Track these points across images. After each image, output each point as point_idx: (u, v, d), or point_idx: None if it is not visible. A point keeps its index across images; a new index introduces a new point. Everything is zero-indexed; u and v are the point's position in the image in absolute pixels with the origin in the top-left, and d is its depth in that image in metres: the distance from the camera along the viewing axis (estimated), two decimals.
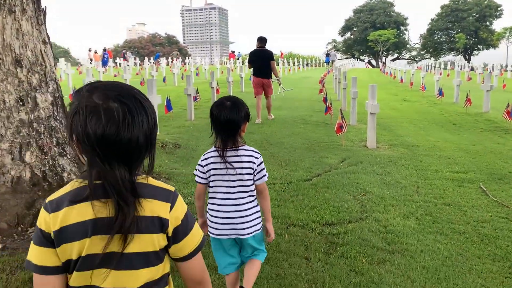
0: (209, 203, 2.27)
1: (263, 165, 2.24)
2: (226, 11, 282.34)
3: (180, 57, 49.47)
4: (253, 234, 2.24)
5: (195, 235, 1.19)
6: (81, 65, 31.73)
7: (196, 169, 2.27)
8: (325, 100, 11.67)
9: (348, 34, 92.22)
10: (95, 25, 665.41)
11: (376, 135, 7.10)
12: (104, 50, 38.25)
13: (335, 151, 6.54)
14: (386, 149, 6.84)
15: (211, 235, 2.27)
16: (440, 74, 16.78)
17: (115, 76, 24.13)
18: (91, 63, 39.39)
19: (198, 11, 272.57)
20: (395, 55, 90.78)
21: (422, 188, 4.76)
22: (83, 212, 1.06)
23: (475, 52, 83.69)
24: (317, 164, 5.73)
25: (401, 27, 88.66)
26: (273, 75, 9.92)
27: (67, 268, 1.09)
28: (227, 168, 2.16)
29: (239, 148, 2.19)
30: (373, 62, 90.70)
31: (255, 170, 2.20)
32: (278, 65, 34.71)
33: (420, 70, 25.64)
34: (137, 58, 38.32)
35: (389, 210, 4.05)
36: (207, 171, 2.21)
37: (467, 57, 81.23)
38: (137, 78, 20.43)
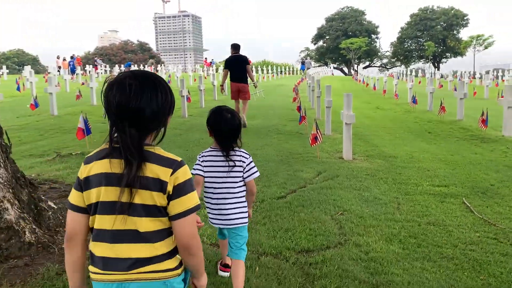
0: (206, 196, 2.59)
1: (252, 165, 2.58)
2: (199, 18, 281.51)
3: (153, 65, 48.59)
4: (241, 224, 2.55)
5: (190, 199, 1.39)
6: (49, 73, 30.52)
7: (195, 166, 2.56)
8: (299, 109, 11.38)
9: (320, 42, 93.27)
10: (67, 31, 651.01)
11: (352, 145, 6.80)
12: (72, 57, 37.11)
13: (310, 164, 6.19)
14: (362, 160, 6.54)
15: (213, 225, 2.65)
16: (412, 81, 16.83)
17: (82, 84, 23.25)
18: (59, 71, 38.19)
19: (172, 18, 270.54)
20: (367, 63, 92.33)
21: (403, 205, 4.43)
22: (102, 166, 1.35)
23: (443, 59, 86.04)
24: (292, 178, 5.35)
25: (372, 35, 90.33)
26: (249, 80, 10.13)
27: (90, 210, 1.39)
28: (229, 166, 2.50)
29: (235, 150, 2.54)
30: (345, 69, 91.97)
31: (244, 168, 2.53)
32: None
33: (393, 77, 25.87)
34: (107, 66, 37.27)
35: (370, 232, 3.69)
36: (204, 166, 2.54)
37: (436, 64, 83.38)
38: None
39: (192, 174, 2.05)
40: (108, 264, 1.37)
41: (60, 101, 15.50)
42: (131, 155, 1.31)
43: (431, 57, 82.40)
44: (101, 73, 34.86)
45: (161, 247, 1.39)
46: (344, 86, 27.68)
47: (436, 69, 74.85)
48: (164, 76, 24.07)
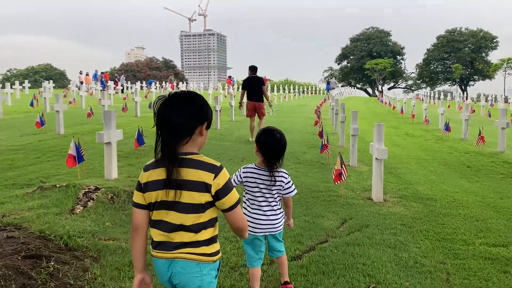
0: (247, 208, 2.89)
1: (290, 183, 2.91)
2: (224, 37, 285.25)
3: (175, 81, 48.54)
4: (280, 231, 2.93)
5: (233, 196, 1.77)
6: (68, 89, 30.53)
7: (235, 175, 2.87)
8: (320, 134, 10.42)
9: (344, 62, 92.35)
10: (95, 47, 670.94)
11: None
12: (97, 72, 37.27)
13: (333, 207, 5.21)
14: (395, 203, 5.51)
15: (250, 233, 2.83)
16: (444, 106, 15.62)
17: (100, 100, 22.86)
18: (79, 86, 38.41)
19: (197, 36, 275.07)
20: (391, 84, 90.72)
21: (454, 276, 3.41)
22: (157, 174, 1.73)
23: (471, 82, 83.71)
24: (310, 228, 4.39)
25: (398, 56, 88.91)
26: (265, 99, 11.07)
27: (149, 207, 1.78)
28: (270, 182, 2.82)
29: (278, 170, 2.87)
30: (369, 90, 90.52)
31: (283, 186, 2.86)
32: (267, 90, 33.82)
33: (422, 101, 24.63)
34: (129, 82, 37.23)
35: None
36: (243, 178, 2.87)
37: (462, 87, 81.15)
38: (123, 103, 19.15)
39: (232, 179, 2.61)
40: (161, 245, 1.77)
41: (71, 119, 15.00)
42: (170, 162, 1.69)
43: (458, 80, 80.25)
44: (120, 89, 34.67)
45: (200, 235, 1.75)
46: (369, 108, 26.55)
47: (463, 92, 72.72)
48: None
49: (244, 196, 2.91)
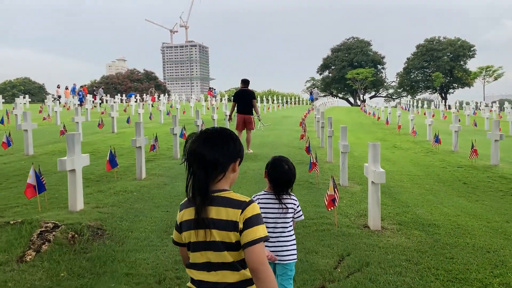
0: None
1: (299, 208, 3.00)
2: (207, 48, 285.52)
3: (156, 94, 47.65)
4: (292, 260, 2.90)
5: (258, 230, 1.63)
6: (44, 104, 29.43)
7: None
8: (308, 149, 9.89)
9: (326, 72, 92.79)
10: (76, 60, 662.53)
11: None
12: (75, 86, 36.26)
13: (327, 238, 4.63)
14: (395, 232, 4.96)
15: None
16: (432, 116, 15.27)
17: (102, 113, 21.99)
18: (57, 100, 37.26)
19: (179, 48, 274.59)
20: (372, 93, 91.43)
21: None
22: (189, 213, 1.70)
23: (451, 90, 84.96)
24: (304, 270, 3.79)
25: (378, 65, 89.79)
26: (254, 112, 11.31)
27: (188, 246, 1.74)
28: (281, 208, 2.89)
29: (286, 195, 2.95)
30: (351, 99, 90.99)
31: (295, 210, 2.97)
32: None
33: (407, 111, 24.40)
34: (108, 95, 36.31)
35: None
36: None
37: (443, 95, 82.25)
38: (104, 117, 18.33)
39: None
40: (203, 286, 1.69)
41: (44, 137, 14.17)
42: (202, 200, 1.64)
43: (438, 88, 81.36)
44: (99, 102, 33.68)
45: (247, 273, 1.66)
46: (353, 119, 26.26)
47: (444, 100, 73.65)
48: (161, 108, 22.75)
49: None
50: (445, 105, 50.89)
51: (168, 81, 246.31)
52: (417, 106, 42.11)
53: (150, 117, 20.75)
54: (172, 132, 10.07)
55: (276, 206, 2.88)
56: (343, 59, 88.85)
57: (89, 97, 29.77)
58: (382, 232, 4.94)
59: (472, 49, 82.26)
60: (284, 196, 2.90)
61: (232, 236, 1.63)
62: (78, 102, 28.62)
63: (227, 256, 1.64)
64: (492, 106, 32.34)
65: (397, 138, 15.54)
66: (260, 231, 1.63)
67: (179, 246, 1.81)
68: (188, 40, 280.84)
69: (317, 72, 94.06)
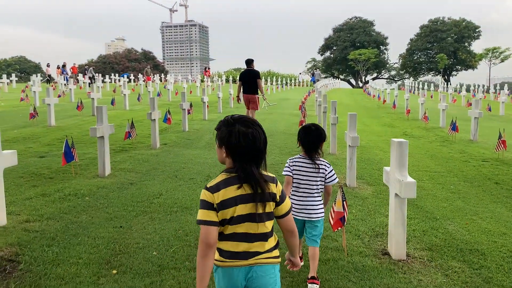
0: (293, 194, 3.24)
1: (333, 172, 3.23)
2: (206, 28, 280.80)
3: (152, 74, 45.89)
4: (320, 218, 3.21)
5: (288, 202, 1.99)
6: (27, 86, 27.83)
7: (284, 168, 3.27)
8: None
9: (328, 53, 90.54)
10: (75, 39, 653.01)
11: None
12: (63, 65, 34.60)
13: (334, 278, 3.27)
14: (426, 263, 3.59)
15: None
16: (446, 101, 13.85)
17: (59, 96, 20.51)
18: (48, 80, 35.63)
19: (179, 27, 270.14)
20: (374, 74, 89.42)
21: None
22: (233, 191, 1.85)
23: (454, 72, 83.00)
24: None
25: (381, 46, 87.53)
26: (259, 91, 11.39)
27: (221, 223, 1.86)
28: (313, 169, 3.17)
29: (318, 159, 3.22)
30: (353, 81, 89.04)
31: (326, 175, 3.20)
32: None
33: (412, 94, 22.82)
34: (99, 75, 34.66)
35: None
36: (292, 169, 3.22)
37: (446, 77, 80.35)
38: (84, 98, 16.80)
39: (283, 175, 3.26)
40: (240, 255, 1.89)
41: (13, 120, 12.75)
42: (257, 182, 1.85)
43: (442, 70, 79.40)
44: (88, 82, 32.00)
45: (272, 241, 1.96)
46: (357, 102, 24.76)
47: (447, 82, 71.89)
48: (150, 89, 21.25)
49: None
50: (447, 87, 49.19)
51: (167, 61, 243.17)
52: (422, 88, 40.49)
53: (138, 99, 19.26)
54: (149, 117, 8.62)
55: (309, 167, 3.18)
56: (345, 39, 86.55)
57: (74, 76, 28.19)
58: (409, 263, 3.57)
59: (477, 30, 79.96)
60: (317, 160, 3.19)
61: (272, 206, 1.91)
62: (65, 82, 27.03)
63: (267, 226, 1.91)
64: (503, 89, 30.72)
65: (407, 124, 14.10)
66: (289, 202, 2.00)
67: (212, 227, 1.83)
68: (188, 19, 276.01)
69: (318, 52, 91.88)
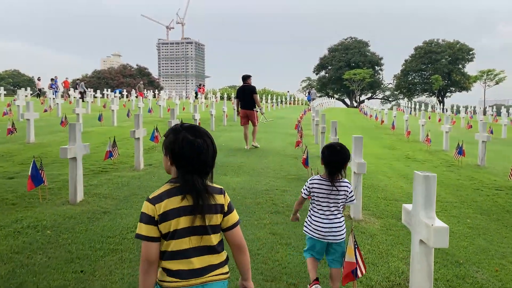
0: (312, 214, 3.20)
1: (353, 192, 3.19)
2: (203, 46, 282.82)
3: (145, 90, 45.29)
4: (342, 240, 3.13)
5: (236, 214, 1.93)
6: (15, 99, 27.02)
7: (303, 188, 3.25)
8: (305, 162, 7.80)
9: (323, 72, 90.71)
10: (70, 54, 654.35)
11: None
12: (52, 79, 33.94)
13: None
14: None
15: (311, 236, 3.16)
16: (449, 123, 13.27)
17: (45, 111, 19.76)
18: (39, 94, 34.90)
19: (175, 44, 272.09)
20: (369, 94, 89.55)
21: None
22: (176, 202, 1.76)
23: (448, 93, 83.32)
24: None
25: (376, 66, 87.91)
26: (257, 106, 11.46)
27: (164, 237, 1.76)
28: (332, 191, 3.11)
29: (341, 180, 3.16)
30: (347, 101, 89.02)
31: (347, 196, 3.16)
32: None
33: (413, 115, 22.27)
34: (90, 90, 33.98)
35: None
36: (311, 190, 3.19)
37: (440, 98, 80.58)
38: (69, 114, 16.07)
39: (301, 193, 3.29)
40: (188, 273, 1.78)
41: None
42: (199, 194, 1.78)
43: (436, 91, 79.67)
44: (79, 97, 31.23)
45: (222, 255, 1.87)
46: (354, 122, 24.19)
47: (441, 103, 72.04)
48: (140, 105, 20.59)
49: (310, 205, 3.23)
50: (442, 108, 48.91)
51: (163, 77, 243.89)
52: (420, 110, 40.16)
53: (128, 115, 18.54)
54: (133, 136, 7.88)
55: (329, 189, 3.12)
56: (340, 59, 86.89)
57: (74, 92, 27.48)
58: None
59: (471, 52, 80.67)
60: (337, 182, 3.11)
61: (219, 218, 1.85)
62: (53, 96, 26.29)
63: (212, 239, 1.83)
64: (503, 111, 30.36)
65: (408, 147, 13.47)
66: (236, 214, 1.94)
67: (151, 243, 1.75)
68: (184, 37, 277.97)
69: (314, 72, 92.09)
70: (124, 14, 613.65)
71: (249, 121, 11.36)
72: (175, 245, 1.76)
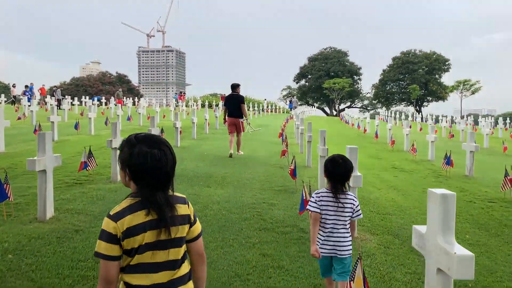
0: (322, 231, 3.12)
1: (359, 207, 3.16)
2: (183, 54, 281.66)
3: (124, 97, 44.36)
4: (349, 255, 3.08)
5: (199, 224, 1.87)
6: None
7: (310, 203, 3.16)
8: (293, 173, 7.45)
9: (303, 81, 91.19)
10: (49, 61, 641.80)
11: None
12: (26, 86, 32.88)
13: None
14: None
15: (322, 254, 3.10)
16: (420, 129, 13.17)
17: (18, 118, 18.92)
18: (14, 102, 33.73)
19: (156, 52, 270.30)
20: (348, 103, 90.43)
21: None
22: (140, 217, 1.67)
23: (425, 103, 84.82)
24: None
25: (355, 76, 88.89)
26: (244, 116, 11.59)
27: (128, 253, 1.68)
28: (343, 207, 3.06)
29: (346, 193, 3.12)
30: (327, 109, 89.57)
31: (354, 210, 3.11)
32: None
33: (398, 126, 22.22)
34: (68, 97, 32.94)
35: None
36: (320, 204, 3.09)
37: (417, 108, 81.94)
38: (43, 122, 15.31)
39: (310, 211, 3.13)
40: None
41: None
42: (160, 208, 1.69)
43: (413, 100, 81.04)
44: (55, 104, 30.30)
45: (185, 267, 1.79)
46: (336, 130, 24.00)
47: (419, 112, 73.19)
48: (119, 113, 19.96)
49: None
50: (422, 118, 49.51)
51: (143, 85, 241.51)
52: (399, 118, 40.47)
53: (106, 123, 17.88)
54: (109, 145, 7.38)
55: (336, 204, 3.07)
56: (320, 68, 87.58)
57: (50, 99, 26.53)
58: None
59: (447, 63, 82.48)
60: (341, 195, 3.08)
61: (185, 229, 1.78)
62: (28, 103, 25.34)
63: (179, 252, 1.76)
64: (486, 121, 30.81)
65: (393, 156, 13.27)
66: (200, 225, 1.88)
67: (111, 262, 1.66)
68: (165, 45, 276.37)
69: (294, 80, 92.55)
70: (104, 22, 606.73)
71: (235, 129, 11.41)
72: (138, 259, 1.68)
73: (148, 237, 1.67)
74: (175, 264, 1.74)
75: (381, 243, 4.80)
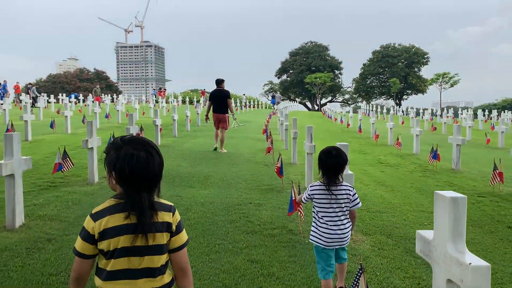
0: (317, 221, 3.15)
1: (356, 195, 3.20)
2: (163, 49, 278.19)
3: (101, 94, 43.35)
4: (347, 243, 3.17)
5: (184, 235, 1.81)
6: None
7: (303, 196, 3.29)
8: (280, 171, 7.19)
9: (284, 76, 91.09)
10: (23, 58, 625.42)
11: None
12: (6, 83, 31.79)
13: None
14: None
15: (319, 246, 3.12)
16: (402, 122, 13.12)
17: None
18: None
19: (134, 48, 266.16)
20: (329, 98, 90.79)
21: None
22: (118, 219, 1.64)
23: (405, 96, 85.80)
24: None
25: (336, 70, 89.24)
26: (229, 111, 11.52)
27: (105, 255, 1.66)
28: (331, 198, 3.09)
29: (340, 184, 3.14)
30: (309, 104, 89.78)
31: (350, 199, 3.13)
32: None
33: (383, 119, 22.27)
34: (44, 95, 31.99)
35: None
36: (312, 197, 3.19)
37: (397, 101, 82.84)
38: (16, 121, 14.68)
39: (303, 202, 3.42)
40: None
41: None
42: (143, 212, 1.64)
43: (393, 94, 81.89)
44: (30, 102, 29.38)
45: (165, 278, 1.74)
46: (319, 125, 23.84)
47: (399, 106, 73.97)
48: (96, 110, 19.38)
49: (314, 212, 3.20)
50: (403, 111, 50.01)
51: (122, 81, 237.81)
52: (380, 112, 40.72)
53: (83, 121, 17.28)
54: (85, 146, 6.97)
55: (328, 195, 3.10)
56: (302, 63, 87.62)
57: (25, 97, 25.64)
58: None
59: (426, 56, 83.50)
60: (333, 187, 3.09)
61: (164, 237, 1.71)
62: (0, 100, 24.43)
63: (155, 260, 1.70)
64: (468, 113, 31.18)
65: (378, 150, 13.15)
66: (185, 235, 1.82)
67: (83, 259, 1.69)
68: (144, 40, 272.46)
69: (276, 75, 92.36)
70: (80, 17, 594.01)
71: (220, 124, 11.36)
72: (113, 265, 1.66)
73: (124, 241, 1.64)
74: (154, 272, 1.69)
75: (374, 244, 4.58)
